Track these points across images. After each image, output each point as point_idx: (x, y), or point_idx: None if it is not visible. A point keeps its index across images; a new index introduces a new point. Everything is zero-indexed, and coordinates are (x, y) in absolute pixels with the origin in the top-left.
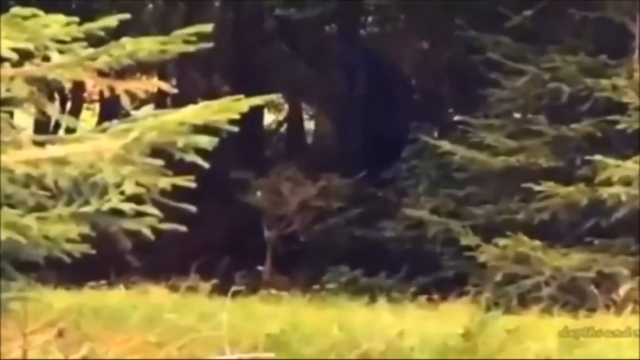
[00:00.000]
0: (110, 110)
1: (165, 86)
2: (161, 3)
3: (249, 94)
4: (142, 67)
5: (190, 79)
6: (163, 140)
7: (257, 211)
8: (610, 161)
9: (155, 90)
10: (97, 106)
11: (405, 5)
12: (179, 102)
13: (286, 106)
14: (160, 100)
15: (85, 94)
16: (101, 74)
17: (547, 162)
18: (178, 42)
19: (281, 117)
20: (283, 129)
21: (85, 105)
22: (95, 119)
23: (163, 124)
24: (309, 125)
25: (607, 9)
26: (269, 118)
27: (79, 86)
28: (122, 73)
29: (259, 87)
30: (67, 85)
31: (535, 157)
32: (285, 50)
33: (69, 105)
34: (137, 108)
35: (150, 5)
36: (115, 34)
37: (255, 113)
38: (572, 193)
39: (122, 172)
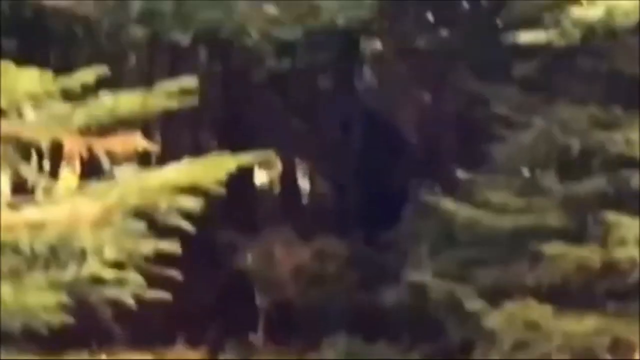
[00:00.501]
0: (92, 167)
1: (146, 144)
2: (144, 55)
3: (238, 150)
4: (124, 122)
5: (175, 135)
6: (145, 202)
7: (249, 276)
8: (624, 220)
9: (137, 148)
10: (77, 163)
11: (404, 54)
12: (164, 159)
13: (279, 163)
14: (143, 156)
15: (65, 151)
16: (80, 131)
17: (557, 222)
18: (160, 97)
19: (274, 175)
20: (276, 187)
21: (65, 162)
22: (77, 177)
23: (145, 185)
24: (304, 183)
25: (618, 60)
26: (260, 176)
27: (57, 143)
28: (103, 129)
29: (249, 143)
30: (43, 144)
31: (545, 216)
32: (277, 104)
33: (47, 163)
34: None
35: (133, 58)
36: (96, 90)
37: (246, 170)
38: (584, 254)
39: (101, 237)
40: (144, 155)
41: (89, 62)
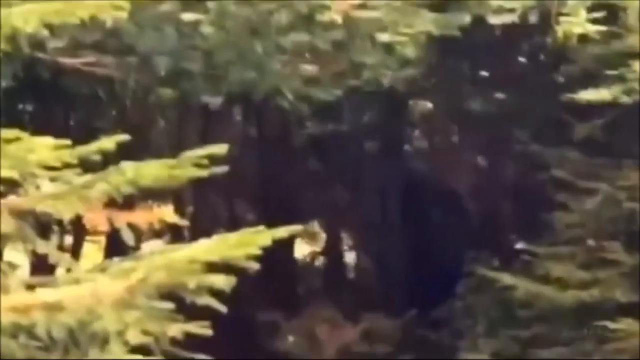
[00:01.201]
0: (119, 244)
1: (173, 218)
2: (174, 119)
3: (278, 222)
4: (154, 193)
5: (209, 206)
6: (172, 281)
7: (290, 359)
8: None
9: (164, 222)
10: (103, 239)
11: (457, 115)
12: (198, 232)
13: (323, 235)
14: (176, 231)
15: (88, 226)
16: (105, 204)
17: (624, 297)
18: (187, 166)
19: (317, 248)
20: (319, 262)
21: (88, 237)
22: (101, 254)
23: (172, 262)
24: (350, 257)
25: None
26: (303, 249)
27: (79, 217)
28: (130, 201)
29: (289, 213)
30: (62, 218)
31: (611, 290)
32: (318, 171)
33: (69, 238)
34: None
35: (161, 122)
36: (121, 156)
37: (286, 243)
38: None
39: (125, 319)
40: (176, 230)
41: (113, 126)
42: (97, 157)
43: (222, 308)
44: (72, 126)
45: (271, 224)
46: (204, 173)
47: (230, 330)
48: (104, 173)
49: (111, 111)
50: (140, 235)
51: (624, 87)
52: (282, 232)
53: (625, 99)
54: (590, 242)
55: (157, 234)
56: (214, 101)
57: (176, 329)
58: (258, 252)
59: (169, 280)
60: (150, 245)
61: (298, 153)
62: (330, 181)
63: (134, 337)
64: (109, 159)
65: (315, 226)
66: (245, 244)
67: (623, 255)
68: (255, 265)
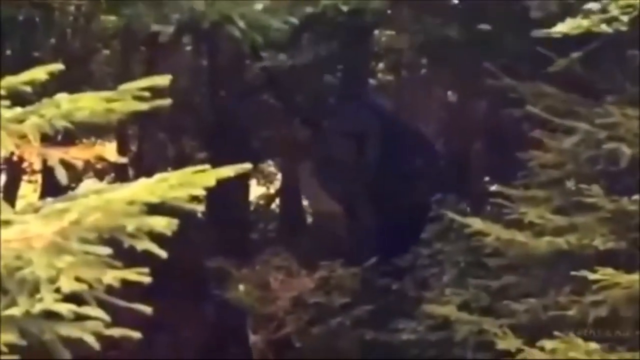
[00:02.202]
0: (55, 184)
1: (111, 155)
2: (119, 50)
3: (230, 161)
4: (97, 130)
5: (155, 144)
6: (109, 223)
7: (240, 310)
8: None
9: (102, 160)
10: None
11: (425, 47)
12: (143, 173)
13: (279, 176)
14: (120, 172)
15: (25, 164)
16: (44, 139)
17: (604, 244)
18: (127, 98)
19: (273, 189)
20: (275, 205)
21: (26, 177)
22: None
23: (108, 203)
24: (308, 200)
25: None
26: (258, 191)
27: (12, 154)
28: (71, 137)
29: (243, 152)
30: None
31: (590, 237)
32: (275, 106)
33: (3, 177)
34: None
35: (106, 52)
36: (61, 91)
37: (239, 185)
38: (636, 282)
39: (57, 264)
40: (121, 170)
41: (52, 57)
42: (27, 89)
43: (163, 253)
44: (6, 56)
45: (222, 163)
46: (144, 106)
47: (176, 278)
48: (36, 106)
49: (49, 40)
50: (79, 174)
51: (605, 16)
52: (228, 171)
53: (606, 29)
54: (568, 185)
55: (100, 175)
56: (164, 30)
57: (112, 276)
58: (202, 192)
59: (105, 223)
60: (87, 186)
61: (253, 87)
62: (287, 118)
63: (67, 284)
64: (47, 94)
65: (271, 167)
66: (188, 184)
67: (603, 199)
68: (199, 208)
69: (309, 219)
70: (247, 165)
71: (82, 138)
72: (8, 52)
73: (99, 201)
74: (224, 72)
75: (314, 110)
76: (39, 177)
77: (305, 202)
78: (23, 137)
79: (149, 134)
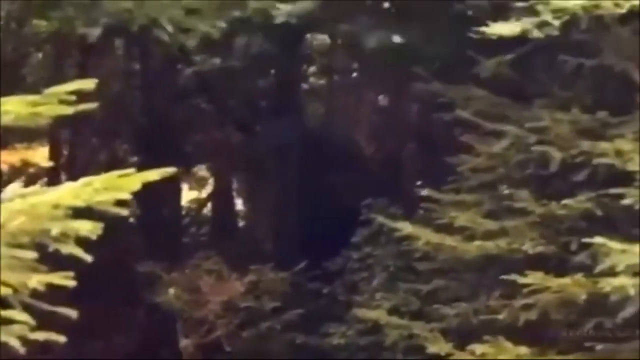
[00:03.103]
0: None
1: (40, 159)
2: (51, 52)
3: (162, 165)
4: (29, 133)
5: (87, 148)
6: (34, 227)
7: (171, 314)
8: (614, 245)
9: (28, 164)
10: None
11: (355, 51)
12: (74, 177)
13: (211, 180)
14: (53, 176)
15: None
16: None
17: (534, 248)
18: (53, 102)
19: (204, 194)
20: (207, 209)
21: None
22: None
23: (33, 207)
24: (240, 205)
25: (605, 54)
26: (190, 195)
27: None
28: (1, 142)
29: (175, 156)
30: None
31: (520, 241)
32: (207, 110)
33: None
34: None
35: (39, 55)
36: None
37: (170, 189)
38: (566, 286)
39: None
40: (53, 175)
41: None
42: None
43: (87, 257)
44: None
45: (155, 167)
46: (70, 110)
47: (107, 282)
48: None
49: None
50: (10, 179)
51: (538, 20)
52: (154, 174)
53: (536, 34)
54: (498, 189)
55: (32, 180)
56: (92, 32)
57: (37, 280)
58: (127, 197)
59: (30, 227)
60: (13, 189)
61: (185, 90)
62: (219, 122)
63: None
64: None
65: (203, 171)
66: (113, 187)
67: (532, 203)
68: (124, 212)
69: (241, 223)
70: (172, 169)
71: (14, 142)
72: None
73: (24, 205)
74: (156, 75)
75: (246, 114)
76: None
77: (238, 206)
78: None
79: (81, 138)
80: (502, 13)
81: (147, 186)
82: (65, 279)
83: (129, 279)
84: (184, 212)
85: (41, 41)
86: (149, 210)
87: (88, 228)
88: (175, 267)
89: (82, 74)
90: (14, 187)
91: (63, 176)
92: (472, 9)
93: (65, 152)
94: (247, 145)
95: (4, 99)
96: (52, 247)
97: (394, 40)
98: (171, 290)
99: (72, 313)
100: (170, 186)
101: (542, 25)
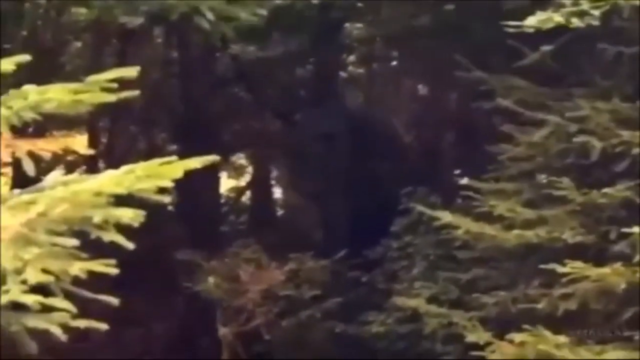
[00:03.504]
0: (25, 176)
1: (81, 147)
2: (90, 42)
3: (200, 154)
4: (68, 122)
5: (126, 136)
6: (76, 214)
7: (210, 302)
8: None
9: (70, 151)
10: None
11: (395, 39)
12: (113, 165)
13: (250, 169)
14: (91, 163)
15: None
16: (16, 131)
17: (573, 237)
18: (95, 90)
19: (243, 182)
20: (245, 197)
21: None
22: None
23: (75, 194)
24: (278, 193)
25: None
26: (228, 184)
27: None
28: (42, 129)
29: (213, 144)
30: None
31: (559, 230)
32: (246, 99)
33: None
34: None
35: (78, 45)
36: (31, 82)
37: (209, 177)
38: (605, 275)
39: (23, 256)
40: (92, 162)
41: (22, 49)
42: None
43: (129, 245)
44: None
45: (193, 155)
46: (112, 98)
47: (147, 270)
48: (4, 97)
49: (20, 32)
50: (50, 167)
51: (576, 9)
52: (195, 162)
53: (576, 23)
54: (538, 178)
55: (71, 168)
56: (133, 21)
57: (79, 268)
58: (169, 184)
59: (72, 214)
60: (55, 177)
61: (223, 79)
62: (257, 110)
63: (33, 275)
64: (17, 86)
65: (242, 159)
66: (155, 175)
67: (573, 192)
68: (166, 199)
69: (280, 212)
70: (215, 157)
71: (53, 130)
72: None
73: (66, 192)
74: (195, 64)
75: (284, 102)
76: (9, 169)
77: (276, 195)
78: None
79: (119, 126)
80: (542, 6)
81: (187, 174)
82: (107, 267)
83: (169, 267)
84: (222, 201)
85: (80, 29)
86: (188, 199)
87: (130, 216)
88: (215, 256)
89: (121, 62)
90: (56, 175)
91: (101, 164)
92: (513, 1)
93: (103, 140)
94: (286, 133)
95: (45, 87)
96: (93, 234)
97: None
98: (211, 279)
99: (114, 301)
100: (209, 174)
101: (582, 14)
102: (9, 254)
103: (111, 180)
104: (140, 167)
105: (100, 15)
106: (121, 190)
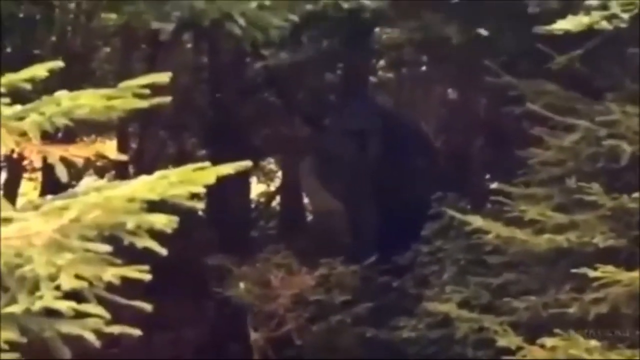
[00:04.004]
0: (56, 181)
1: (112, 153)
2: (120, 47)
3: (230, 159)
4: (98, 128)
5: (156, 141)
6: (109, 220)
7: (241, 307)
8: None
9: (102, 157)
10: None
11: (425, 44)
12: (143, 170)
13: (279, 174)
14: (121, 169)
15: (26, 162)
16: (45, 137)
17: (604, 241)
18: (127, 96)
19: (273, 187)
20: (275, 202)
21: (27, 175)
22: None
23: (108, 200)
24: (308, 198)
25: None
26: (258, 189)
27: (13, 152)
28: (71, 135)
29: (243, 149)
30: None
31: (590, 234)
32: (275, 104)
33: (4, 175)
34: (101, 176)
35: (107, 50)
36: (62, 88)
37: (240, 183)
38: (636, 279)
39: (57, 262)
40: (121, 168)
41: (52, 54)
42: (27, 86)
43: (163, 251)
44: (6, 53)
45: (223, 161)
46: (144, 104)
47: (177, 275)
48: (37, 103)
49: (50, 37)
50: (80, 172)
51: (605, 13)
52: (228, 168)
53: (606, 26)
54: (568, 182)
55: (100, 172)
56: (164, 28)
57: (112, 274)
58: (201, 190)
59: (105, 220)
60: (87, 183)
61: (253, 84)
62: (287, 115)
63: (67, 281)
64: (48, 91)
65: (272, 164)
66: (189, 181)
67: (603, 197)
68: (199, 205)
69: (309, 217)
70: (247, 163)
71: (82, 135)
72: (8, 49)
73: (99, 198)
74: (225, 69)
75: (314, 107)
76: (39, 175)
77: (305, 200)
78: (23, 134)
79: (149, 131)
80: (571, 10)
81: (217, 180)
82: (141, 273)
83: (199, 272)
84: (252, 206)
85: (109, 35)
86: (218, 204)
87: (163, 222)
88: (245, 261)
89: (150, 68)
90: (89, 181)
91: (131, 169)
92: (541, 6)
93: (133, 146)
94: (316, 138)
95: (78, 93)
96: (126, 240)
97: (463, 34)
98: (241, 284)
99: (147, 307)
100: (239, 179)
101: (611, 17)
102: (42, 260)
103: (144, 186)
104: (174, 173)
105: (129, 20)
106: (154, 196)
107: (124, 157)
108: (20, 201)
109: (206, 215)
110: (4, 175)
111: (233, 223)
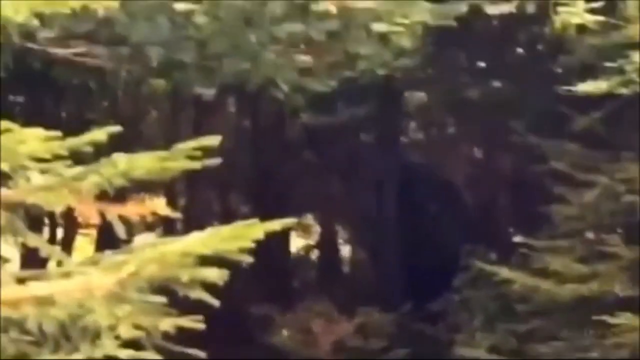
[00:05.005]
0: (110, 237)
1: (165, 210)
2: (167, 111)
3: (272, 215)
4: (147, 186)
5: (202, 199)
6: (165, 274)
7: (284, 354)
8: None
9: (156, 214)
10: (95, 232)
11: (453, 106)
12: (190, 225)
13: (317, 228)
14: (168, 224)
15: (80, 219)
16: (97, 196)
17: (624, 291)
18: (180, 157)
19: (312, 241)
20: (314, 255)
21: (80, 231)
22: (93, 247)
23: (164, 255)
24: (345, 251)
25: None
26: (298, 242)
27: (70, 209)
28: (122, 194)
29: (283, 206)
30: (52, 210)
31: (610, 284)
32: (313, 163)
33: (61, 231)
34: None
35: (155, 114)
36: (113, 148)
37: (280, 237)
38: None
39: (116, 313)
40: (169, 223)
41: (105, 118)
42: (88, 149)
43: (215, 302)
44: (63, 117)
45: (265, 217)
46: (196, 165)
47: (224, 324)
48: (96, 165)
49: (103, 102)
50: (132, 228)
51: (622, 78)
52: (276, 225)
53: (623, 91)
54: (589, 235)
55: (149, 227)
56: (208, 92)
57: (168, 323)
58: (251, 245)
59: (161, 274)
60: (142, 239)
61: (293, 145)
62: (325, 173)
63: (126, 331)
64: (100, 151)
65: (310, 219)
66: (238, 237)
67: (622, 249)
68: (248, 259)
69: (345, 269)
70: (292, 220)
71: (132, 193)
72: (63, 113)
73: (155, 253)
74: (266, 130)
75: (350, 165)
76: (92, 230)
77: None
78: (78, 192)
79: (196, 189)
80: (589, 72)
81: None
82: (195, 322)
83: (245, 321)
84: (293, 258)
85: (157, 99)
86: (261, 256)
87: (215, 275)
88: (287, 310)
89: (196, 130)
90: (144, 237)
91: (178, 225)
92: (563, 67)
93: (180, 203)
94: (351, 195)
95: (134, 156)
96: (180, 292)
97: (489, 96)
98: (284, 331)
99: (201, 354)
100: (280, 234)
101: (628, 83)
102: (103, 311)
103: (197, 241)
104: (226, 229)
105: (176, 85)
106: (207, 250)
107: (177, 215)
108: (75, 255)
109: (250, 266)
110: (60, 231)
111: (275, 274)
